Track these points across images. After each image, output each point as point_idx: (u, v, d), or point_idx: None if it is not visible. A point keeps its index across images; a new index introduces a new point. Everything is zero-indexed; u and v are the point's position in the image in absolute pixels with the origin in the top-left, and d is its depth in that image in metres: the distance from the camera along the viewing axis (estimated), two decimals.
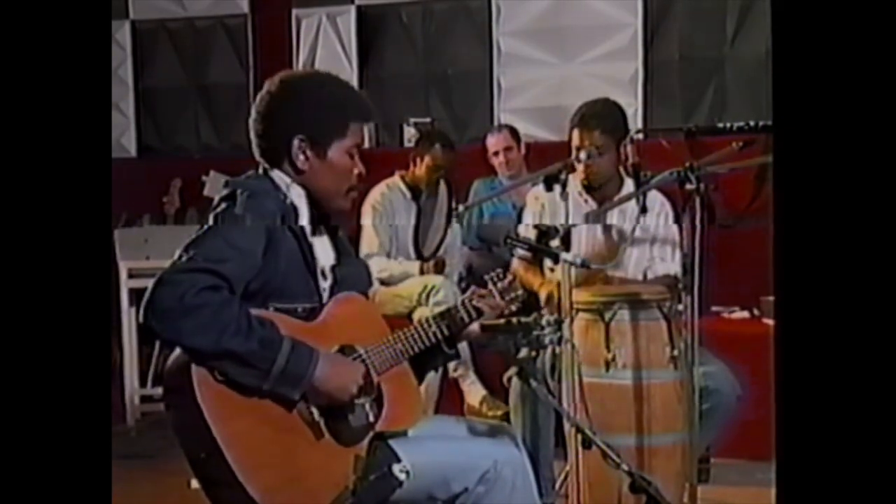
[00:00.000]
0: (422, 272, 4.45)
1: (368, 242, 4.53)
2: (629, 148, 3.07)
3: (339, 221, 2.40)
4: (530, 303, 3.07)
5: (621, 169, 3.39)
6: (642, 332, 2.90)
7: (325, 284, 2.26)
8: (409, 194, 4.63)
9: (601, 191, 3.41)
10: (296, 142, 2.23)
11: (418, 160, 4.63)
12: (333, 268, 2.30)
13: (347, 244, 2.43)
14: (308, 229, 2.25)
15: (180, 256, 2.04)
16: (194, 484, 2.10)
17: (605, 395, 2.87)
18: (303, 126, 2.24)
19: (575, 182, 3.34)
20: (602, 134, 3.28)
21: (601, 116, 3.33)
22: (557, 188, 2.85)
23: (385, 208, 4.57)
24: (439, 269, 4.46)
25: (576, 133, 3.33)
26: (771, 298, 4.25)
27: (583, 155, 3.25)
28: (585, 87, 5.99)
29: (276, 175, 2.26)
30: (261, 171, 2.30)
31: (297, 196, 2.25)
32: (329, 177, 2.27)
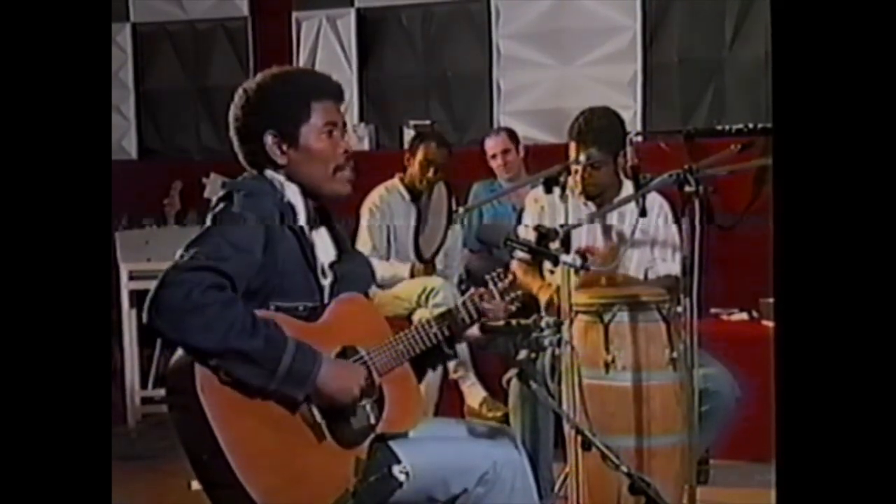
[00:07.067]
0: (412, 274, 4.44)
1: (362, 243, 4.53)
2: (628, 150, 3.06)
3: (337, 208, 2.38)
4: (530, 305, 3.07)
5: (620, 172, 3.39)
6: (641, 334, 2.89)
7: (326, 282, 2.25)
8: (408, 196, 4.62)
9: (600, 195, 3.42)
10: (268, 139, 2.24)
11: (412, 158, 4.63)
12: (333, 265, 2.30)
13: (347, 240, 2.43)
14: (306, 227, 2.25)
15: (182, 256, 2.04)
16: (195, 485, 2.10)
17: (605, 396, 2.87)
18: (269, 121, 2.25)
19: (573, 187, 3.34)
20: (598, 150, 3.25)
21: (597, 131, 3.30)
22: (557, 190, 2.86)
23: (382, 210, 4.57)
24: (430, 270, 4.44)
25: (572, 146, 3.33)
26: (770, 300, 4.25)
27: (579, 168, 3.26)
28: (585, 89, 6.02)
29: (271, 175, 2.27)
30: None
31: (293, 194, 2.26)
32: (309, 162, 2.26)
